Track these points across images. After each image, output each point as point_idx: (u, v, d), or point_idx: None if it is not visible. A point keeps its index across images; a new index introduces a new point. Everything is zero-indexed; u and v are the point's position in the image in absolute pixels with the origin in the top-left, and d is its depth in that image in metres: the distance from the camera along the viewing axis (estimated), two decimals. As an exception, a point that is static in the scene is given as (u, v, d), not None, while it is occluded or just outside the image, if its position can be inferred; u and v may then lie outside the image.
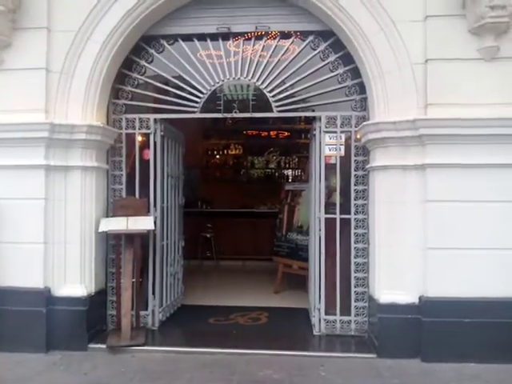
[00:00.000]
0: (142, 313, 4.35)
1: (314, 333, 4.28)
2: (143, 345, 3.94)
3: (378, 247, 3.88)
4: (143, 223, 4.16)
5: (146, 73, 4.41)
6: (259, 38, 4.29)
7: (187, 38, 4.32)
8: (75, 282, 3.97)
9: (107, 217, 4.30)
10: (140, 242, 4.19)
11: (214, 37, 4.30)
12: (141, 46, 4.35)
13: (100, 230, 4.07)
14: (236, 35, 4.29)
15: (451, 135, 3.60)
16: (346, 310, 4.19)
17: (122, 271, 4.15)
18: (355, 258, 4.16)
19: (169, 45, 4.35)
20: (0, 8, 3.72)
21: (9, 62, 3.98)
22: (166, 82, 4.44)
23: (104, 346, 3.90)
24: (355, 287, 4.16)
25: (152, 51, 4.37)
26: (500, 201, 3.63)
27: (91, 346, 3.94)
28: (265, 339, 4.18)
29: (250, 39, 4.30)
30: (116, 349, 3.87)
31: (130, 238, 4.14)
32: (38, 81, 3.93)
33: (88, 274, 4.05)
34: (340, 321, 4.20)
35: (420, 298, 3.72)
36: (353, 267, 4.16)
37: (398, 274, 3.78)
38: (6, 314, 3.82)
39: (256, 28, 4.21)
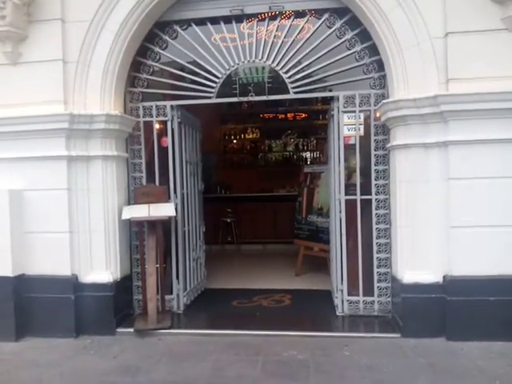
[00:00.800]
0: (167, 297, 4.45)
1: (337, 314, 4.29)
2: (169, 328, 4.04)
3: (400, 227, 3.84)
4: (164, 210, 4.22)
5: (160, 59, 4.40)
6: (273, 18, 4.22)
7: (200, 22, 4.29)
8: (101, 268, 4.07)
9: (129, 204, 4.37)
10: (162, 228, 4.25)
11: (227, 19, 4.25)
12: (155, 32, 4.34)
13: (123, 217, 4.14)
14: (249, 17, 4.23)
15: (474, 110, 3.50)
16: (368, 291, 4.19)
17: (145, 257, 4.23)
18: (377, 238, 4.12)
19: (182, 30, 4.32)
20: (15, 1, 3.75)
21: (26, 55, 4.03)
22: (182, 68, 4.42)
23: (131, 330, 4.01)
24: (378, 268, 4.14)
25: (166, 37, 4.35)
26: (525, 176, 3.53)
27: (119, 330, 4.06)
28: (288, 321, 4.23)
29: (263, 20, 4.23)
30: (143, 332, 3.98)
31: (153, 224, 4.20)
32: (56, 72, 3.98)
33: (113, 260, 4.14)
34: (363, 301, 4.20)
35: (444, 278, 3.68)
36: (375, 248, 4.13)
37: (421, 254, 3.74)
38: (37, 301, 3.96)
39: (270, 8, 4.14)
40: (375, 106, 4.06)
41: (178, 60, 4.37)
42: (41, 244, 4.00)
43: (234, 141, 9.85)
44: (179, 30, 4.33)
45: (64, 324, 3.94)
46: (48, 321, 3.95)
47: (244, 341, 3.77)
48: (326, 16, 4.11)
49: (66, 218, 3.98)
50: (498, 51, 3.53)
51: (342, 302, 4.26)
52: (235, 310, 4.61)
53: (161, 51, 4.38)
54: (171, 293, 4.50)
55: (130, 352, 3.68)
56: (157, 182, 4.43)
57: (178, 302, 4.53)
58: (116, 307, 4.07)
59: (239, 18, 4.24)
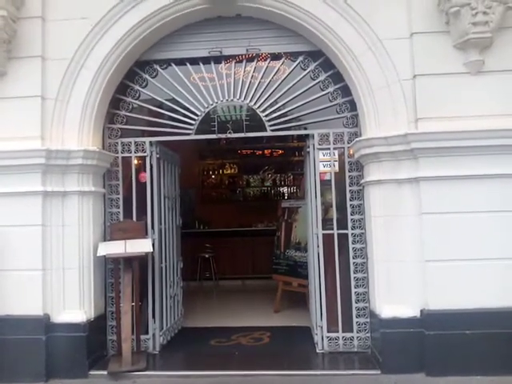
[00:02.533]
0: (143, 337, 4.31)
1: (317, 351, 4.24)
2: (144, 370, 3.90)
3: (377, 261, 3.88)
4: (141, 246, 4.16)
5: (140, 97, 4.48)
6: (250, 59, 4.38)
7: (180, 62, 4.42)
8: (74, 307, 3.94)
9: (105, 241, 4.30)
10: (138, 264, 4.17)
11: (206, 60, 4.39)
12: (134, 71, 4.43)
13: (98, 254, 4.06)
14: (228, 58, 4.39)
15: (442, 148, 3.66)
16: (348, 327, 4.17)
17: (121, 295, 4.13)
18: (354, 273, 4.16)
19: (162, 69, 4.44)
20: (-5, 39, 3.79)
21: (4, 91, 4.02)
22: (161, 106, 4.50)
23: (105, 373, 3.85)
24: (356, 303, 4.15)
25: (146, 76, 4.44)
26: (495, 210, 3.66)
27: (92, 372, 3.89)
28: (268, 359, 4.14)
29: (241, 61, 4.40)
30: (117, 375, 3.82)
31: (129, 261, 4.13)
32: (34, 108, 3.98)
33: (87, 299, 4.02)
34: (343, 337, 4.17)
35: (421, 312, 3.70)
36: (353, 283, 4.15)
37: (398, 288, 3.77)
38: (5, 343, 3.77)
39: (247, 50, 4.30)
40: (349, 143, 4.20)
41: (157, 98, 4.46)
42: (12, 282, 3.85)
43: (213, 176, 9.91)
44: (159, 69, 4.44)
45: (33, 367, 3.75)
46: (16, 364, 3.75)
47: (222, 382, 3.67)
48: (300, 58, 4.31)
49: (40, 254, 3.87)
50: (462, 93, 3.74)
51: (322, 338, 4.22)
52: (213, 349, 4.49)
53: (140, 89, 4.46)
54: (147, 332, 4.37)
55: (102, 396, 3.52)
56: (134, 218, 4.39)
57: (153, 342, 4.39)
58: (89, 348, 3.92)
59: (218, 59, 4.39)
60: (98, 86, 4.10)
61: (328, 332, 4.20)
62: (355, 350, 4.14)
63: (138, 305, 4.18)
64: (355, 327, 4.15)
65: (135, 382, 3.74)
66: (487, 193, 3.66)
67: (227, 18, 4.28)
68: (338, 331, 4.19)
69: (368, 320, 4.11)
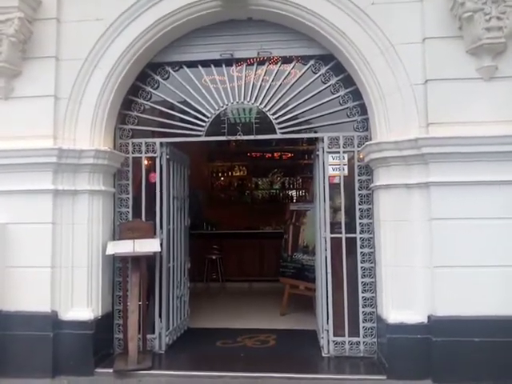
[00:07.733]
0: (149, 336, 4.33)
1: (323, 355, 4.22)
2: (150, 369, 3.92)
3: (385, 266, 3.86)
4: (149, 245, 4.19)
5: (151, 98, 4.52)
6: (261, 62, 4.40)
7: (191, 64, 4.45)
8: (82, 305, 3.98)
9: (114, 240, 4.33)
10: (146, 264, 4.20)
11: (217, 63, 4.42)
12: (147, 72, 4.48)
13: (107, 253, 4.10)
14: (239, 61, 4.41)
15: (453, 153, 3.63)
16: (354, 331, 4.15)
17: (128, 294, 4.15)
18: (362, 277, 4.14)
19: (174, 71, 4.47)
20: (12, 39, 3.85)
21: (18, 90, 4.09)
22: (172, 107, 4.53)
23: (111, 371, 3.87)
24: (363, 307, 4.13)
25: (158, 78, 4.48)
26: (506, 217, 3.61)
27: (98, 370, 3.91)
28: (273, 362, 4.13)
29: (252, 64, 4.41)
30: (123, 373, 3.84)
31: (137, 260, 4.16)
32: (47, 108, 4.04)
33: (95, 297, 4.05)
34: (349, 342, 4.15)
35: (429, 318, 3.67)
36: (360, 287, 4.13)
37: (406, 294, 3.75)
38: (13, 339, 3.82)
39: (258, 53, 4.33)
40: (358, 147, 4.19)
41: (168, 99, 4.49)
42: (21, 279, 3.90)
43: (222, 178, 9.95)
44: (171, 71, 4.47)
45: (41, 363, 3.79)
46: (24, 360, 3.79)
47: (227, 383, 3.67)
48: (311, 62, 4.31)
49: (49, 252, 3.91)
50: (474, 98, 3.71)
51: (328, 342, 4.20)
52: (219, 350, 4.49)
53: (152, 91, 4.50)
54: (153, 332, 4.39)
55: (108, 394, 3.54)
56: (143, 218, 4.42)
57: (159, 341, 4.40)
58: (96, 346, 3.95)
59: (229, 62, 4.42)
60: (110, 87, 4.15)
61: (334, 336, 4.18)
62: (361, 354, 4.12)
63: (144, 304, 4.21)
64: (362, 332, 4.13)
65: (141, 381, 3.76)
66: (498, 199, 3.62)
67: (239, 21, 4.30)
68: (344, 335, 4.17)
69: (375, 325, 4.09)
